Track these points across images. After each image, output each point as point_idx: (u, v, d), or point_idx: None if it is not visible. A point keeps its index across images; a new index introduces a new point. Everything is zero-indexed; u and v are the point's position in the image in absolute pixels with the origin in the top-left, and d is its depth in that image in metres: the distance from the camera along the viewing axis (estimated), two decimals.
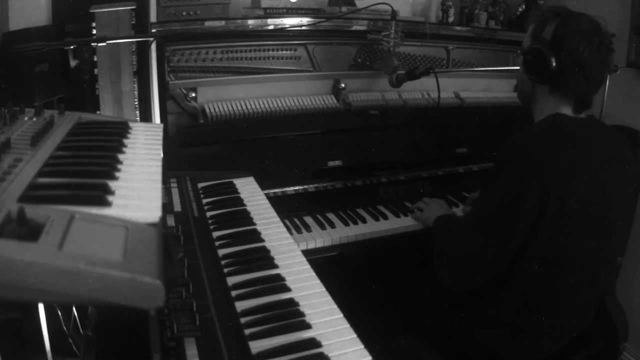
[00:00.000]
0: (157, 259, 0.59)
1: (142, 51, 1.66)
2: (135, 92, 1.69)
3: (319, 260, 1.48)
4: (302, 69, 2.00)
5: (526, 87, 1.36)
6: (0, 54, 1.53)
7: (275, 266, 1.04)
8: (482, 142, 2.00)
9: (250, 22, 1.89)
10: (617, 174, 1.30)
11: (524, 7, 2.36)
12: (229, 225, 1.20)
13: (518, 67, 1.39)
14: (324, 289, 0.98)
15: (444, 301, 1.46)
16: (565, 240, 1.24)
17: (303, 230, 1.60)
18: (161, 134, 1.04)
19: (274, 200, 1.36)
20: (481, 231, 1.30)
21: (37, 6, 1.72)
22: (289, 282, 0.99)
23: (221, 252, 1.09)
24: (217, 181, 1.45)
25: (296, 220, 1.64)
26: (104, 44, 1.49)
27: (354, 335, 0.86)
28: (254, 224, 1.21)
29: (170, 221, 1.14)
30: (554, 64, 1.24)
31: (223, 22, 1.82)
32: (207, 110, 1.79)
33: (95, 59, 1.60)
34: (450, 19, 2.27)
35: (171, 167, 1.51)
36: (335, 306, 0.93)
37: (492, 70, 2.32)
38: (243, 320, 0.88)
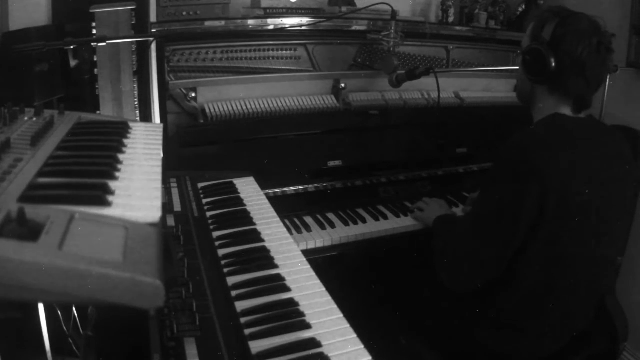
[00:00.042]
0: (157, 259, 0.59)
1: (142, 51, 1.66)
2: (135, 92, 1.69)
3: (319, 260, 1.48)
4: (302, 69, 2.00)
5: (526, 87, 1.36)
6: (0, 54, 1.53)
7: (275, 266, 1.04)
8: (482, 142, 2.00)
9: (250, 22, 1.89)
10: (617, 174, 1.30)
11: (523, 7, 2.36)
12: (229, 225, 1.20)
13: (518, 67, 1.39)
14: (324, 289, 0.98)
15: (444, 301, 1.46)
16: (565, 240, 1.24)
17: (303, 230, 1.60)
18: (161, 134, 1.04)
19: (274, 200, 1.36)
20: (481, 231, 1.30)
21: (37, 6, 1.71)
22: (289, 282, 0.99)
23: (221, 252, 1.09)
24: (217, 181, 1.45)
25: (296, 220, 1.64)
26: (104, 44, 1.49)
27: (354, 335, 0.86)
28: (254, 224, 1.22)
29: (170, 221, 1.14)
30: (553, 64, 1.24)
31: (223, 22, 1.82)
32: (207, 110, 1.79)
33: (95, 59, 1.60)
34: (450, 19, 2.27)
35: (171, 167, 1.51)
36: (335, 306, 0.93)
37: (492, 70, 2.32)
38: (243, 320, 0.88)
